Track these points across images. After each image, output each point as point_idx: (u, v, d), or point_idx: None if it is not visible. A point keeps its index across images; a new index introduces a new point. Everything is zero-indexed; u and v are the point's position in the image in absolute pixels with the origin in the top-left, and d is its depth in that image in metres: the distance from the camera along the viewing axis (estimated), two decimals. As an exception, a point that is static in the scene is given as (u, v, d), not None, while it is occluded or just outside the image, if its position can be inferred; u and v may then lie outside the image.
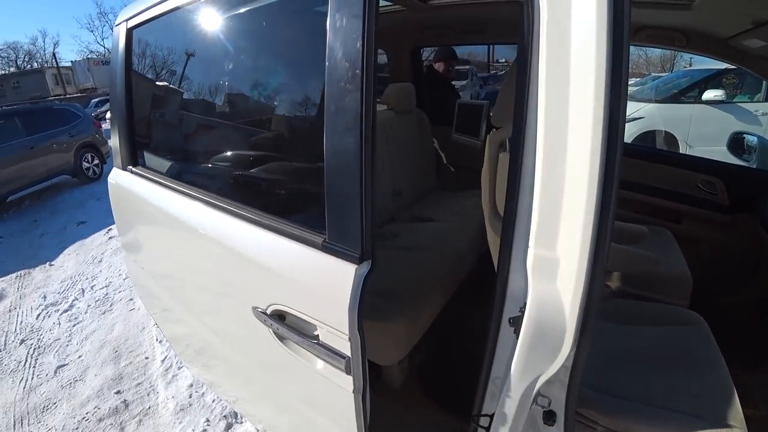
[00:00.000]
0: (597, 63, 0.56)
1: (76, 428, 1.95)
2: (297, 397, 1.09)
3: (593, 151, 0.58)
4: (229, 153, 1.35)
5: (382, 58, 2.95)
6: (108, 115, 10.91)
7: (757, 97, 4.97)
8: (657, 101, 5.42)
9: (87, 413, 2.03)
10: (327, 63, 0.78)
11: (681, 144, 5.13)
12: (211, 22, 1.20)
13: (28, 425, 2.00)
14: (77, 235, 4.57)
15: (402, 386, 1.57)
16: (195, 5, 1.19)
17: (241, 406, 1.59)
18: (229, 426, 1.86)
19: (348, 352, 0.82)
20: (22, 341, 2.71)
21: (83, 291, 3.31)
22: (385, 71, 3.06)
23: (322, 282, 0.86)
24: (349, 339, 0.80)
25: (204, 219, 1.17)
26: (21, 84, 29.55)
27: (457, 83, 7.04)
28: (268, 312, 0.96)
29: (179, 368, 2.25)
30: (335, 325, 0.82)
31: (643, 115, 5.22)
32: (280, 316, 0.96)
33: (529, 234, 0.66)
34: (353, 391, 0.85)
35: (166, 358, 2.35)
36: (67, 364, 2.43)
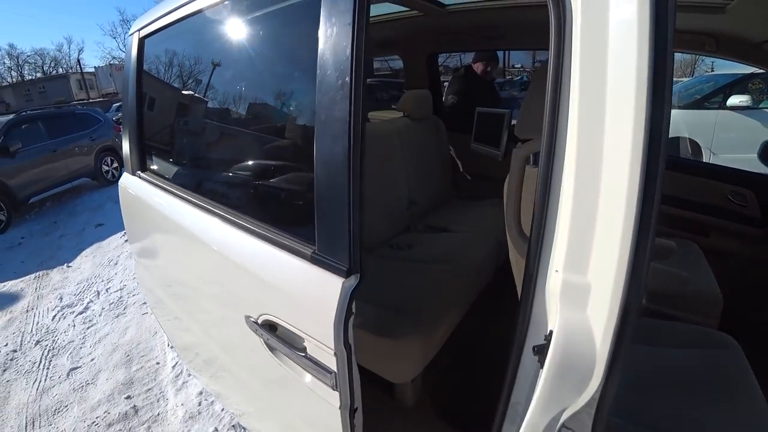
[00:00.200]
0: (638, 68, 0.50)
1: (86, 433, 1.94)
2: (291, 411, 1.07)
3: (632, 166, 0.52)
4: (227, 160, 1.36)
5: (398, 64, 2.93)
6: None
7: (786, 102, 4.79)
8: (679, 107, 5.26)
9: (97, 417, 2.02)
10: (317, 73, 0.78)
11: (704, 151, 4.96)
12: (216, 31, 1.22)
13: (40, 427, 2.00)
14: (95, 237, 4.65)
15: (414, 404, 1.51)
16: (201, 15, 1.21)
17: (246, 420, 1.56)
18: (237, 436, 1.83)
19: (335, 367, 0.80)
20: (38, 342, 2.74)
21: (98, 293, 3.34)
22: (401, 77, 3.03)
23: (310, 294, 0.85)
24: (335, 354, 0.78)
25: (201, 225, 1.17)
26: (47, 89, 30.63)
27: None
28: (260, 322, 0.95)
29: (189, 375, 2.23)
30: (322, 339, 0.80)
31: (665, 121, 5.07)
32: (271, 327, 0.94)
33: (557, 257, 0.61)
34: (340, 408, 0.82)
35: (176, 364, 2.33)
36: (79, 367, 2.44)
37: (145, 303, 3.05)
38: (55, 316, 3.06)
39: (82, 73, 33.85)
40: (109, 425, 1.96)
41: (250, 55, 1.17)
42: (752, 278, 1.82)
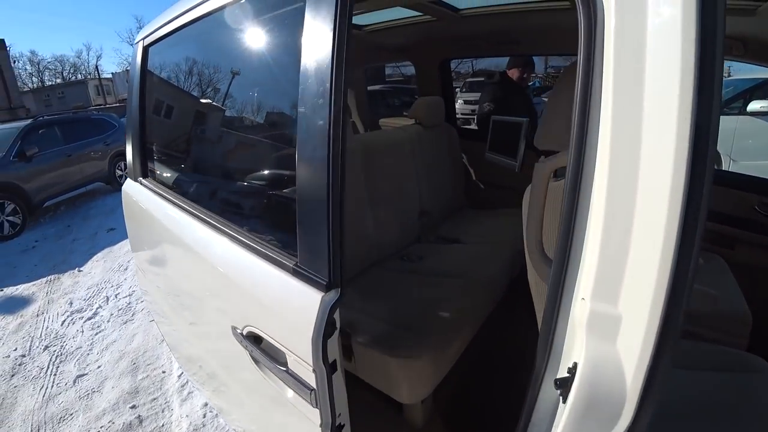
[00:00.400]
0: (682, 75, 0.44)
1: (90, 443, 1.92)
2: (276, 427, 1.05)
3: (674, 184, 0.46)
4: (216, 168, 1.36)
5: (410, 70, 2.89)
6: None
7: (811, 108, 4.63)
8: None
9: (101, 427, 1.99)
10: (300, 81, 0.75)
11: (724, 158, 4.81)
12: (212, 40, 1.24)
13: (44, 436, 1.99)
14: (106, 242, 4.68)
15: (424, 426, 1.44)
16: (199, 24, 1.21)
17: None
18: (241, 451, 1.78)
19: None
20: (46, 347, 2.74)
21: (107, 299, 3.34)
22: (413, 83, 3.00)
23: (291, 307, 0.81)
24: (313, 370, 0.74)
25: (193, 233, 1.16)
26: (65, 94, 31.40)
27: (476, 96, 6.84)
28: (244, 333, 0.92)
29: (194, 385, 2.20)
30: (302, 355, 0.77)
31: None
32: (256, 339, 0.91)
33: (584, 283, 0.55)
34: (320, 426, 0.78)
35: (182, 373, 2.30)
36: (86, 374, 2.42)
37: (153, 309, 3.04)
38: (64, 321, 3.06)
39: (99, 79, 34.69)
40: (113, 435, 1.93)
41: (241, 66, 1.18)
42: None
